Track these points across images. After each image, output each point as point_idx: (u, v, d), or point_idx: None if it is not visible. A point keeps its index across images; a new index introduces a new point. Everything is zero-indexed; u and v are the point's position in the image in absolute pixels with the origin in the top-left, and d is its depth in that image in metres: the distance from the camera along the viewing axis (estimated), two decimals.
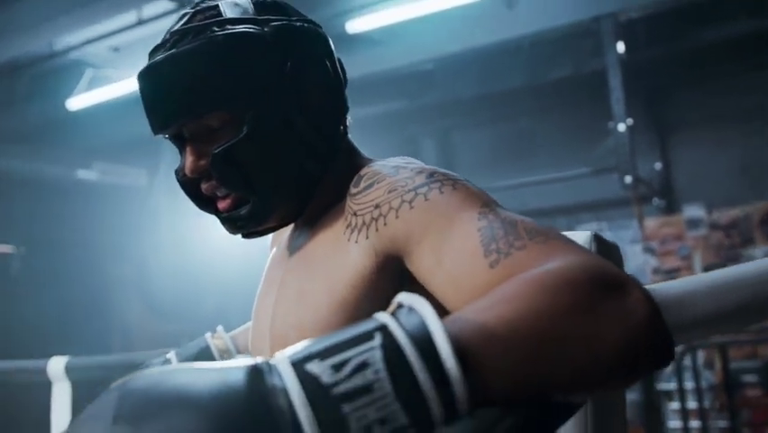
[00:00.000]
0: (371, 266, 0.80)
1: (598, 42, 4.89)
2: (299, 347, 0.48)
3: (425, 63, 5.58)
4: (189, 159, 0.88)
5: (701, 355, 4.63)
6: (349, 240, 0.83)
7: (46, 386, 1.86)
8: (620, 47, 4.77)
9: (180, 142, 0.92)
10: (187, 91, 0.85)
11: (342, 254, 0.84)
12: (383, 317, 0.49)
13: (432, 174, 0.79)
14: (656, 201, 5.85)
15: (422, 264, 0.74)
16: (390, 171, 0.83)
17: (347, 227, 0.84)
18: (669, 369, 4.84)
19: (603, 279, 0.56)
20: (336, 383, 0.45)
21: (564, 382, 0.52)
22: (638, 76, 5.46)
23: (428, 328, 0.47)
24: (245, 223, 0.91)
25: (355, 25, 4.75)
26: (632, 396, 4.41)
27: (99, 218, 5.38)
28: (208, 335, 1.38)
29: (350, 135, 0.99)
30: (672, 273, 5.57)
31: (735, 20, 5.24)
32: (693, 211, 5.64)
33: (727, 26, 5.30)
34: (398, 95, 6.10)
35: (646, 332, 0.54)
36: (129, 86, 5.06)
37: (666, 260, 5.62)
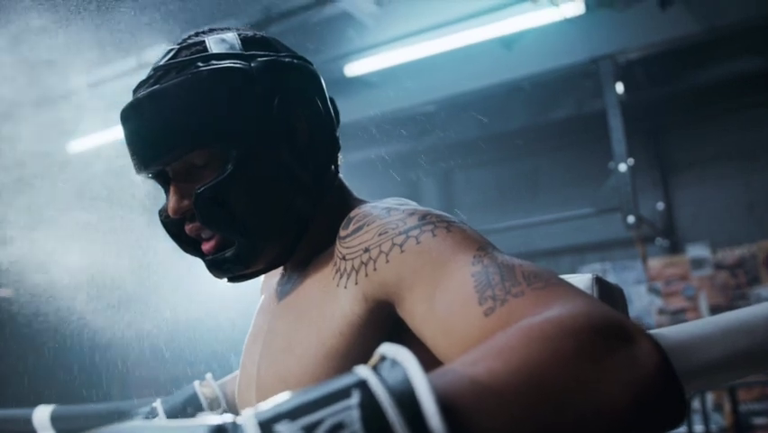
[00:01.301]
0: (361, 313, 0.76)
1: (597, 83, 4.90)
2: (269, 405, 0.43)
3: (425, 105, 5.60)
4: (173, 199, 0.84)
5: (710, 398, 4.54)
6: (338, 285, 0.79)
7: None
8: (619, 87, 4.78)
9: (164, 181, 0.88)
10: (169, 128, 0.81)
11: (330, 301, 0.80)
12: (363, 371, 0.44)
13: (424, 216, 0.75)
14: (659, 241, 5.80)
15: (413, 312, 0.70)
16: (381, 213, 0.79)
17: (336, 272, 0.80)
18: None
19: (607, 327, 0.51)
20: None
21: None
22: (639, 116, 5.46)
23: (412, 384, 0.42)
24: (231, 266, 0.86)
25: (353, 69, 4.77)
26: None
27: None
28: (196, 382, 1.34)
29: (346, 178, 0.96)
30: (677, 314, 5.50)
31: (734, 59, 5.27)
32: (698, 251, 5.59)
33: (726, 65, 5.33)
34: (399, 137, 6.11)
35: (656, 385, 0.49)
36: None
37: (671, 300, 5.56)
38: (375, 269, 0.74)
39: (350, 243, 0.79)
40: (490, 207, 6.26)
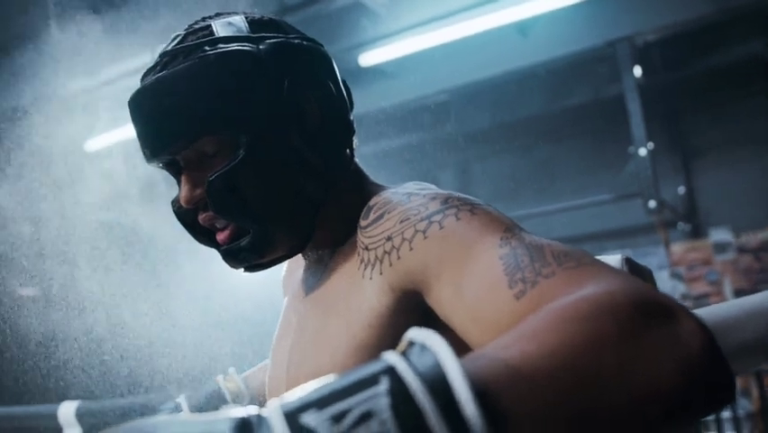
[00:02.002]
0: (388, 303, 0.74)
1: (614, 67, 4.84)
2: (295, 395, 0.42)
3: (439, 94, 5.56)
4: (185, 188, 0.83)
5: (737, 383, 4.49)
6: (363, 276, 0.77)
7: (57, 432, 1.82)
8: (637, 71, 4.72)
9: (175, 171, 0.86)
10: (177, 114, 0.79)
11: (357, 293, 0.78)
12: (391, 357, 0.42)
13: (447, 199, 0.73)
14: (681, 226, 5.73)
15: (441, 299, 0.67)
16: (401, 199, 0.77)
17: (360, 263, 0.78)
18: None
19: (647, 304, 0.48)
20: None
21: (608, 425, 0.44)
22: (658, 99, 5.39)
23: (444, 370, 0.40)
24: (247, 255, 0.84)
25: (368, 58, 4.75)
26: None
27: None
28: (219, 377, 1.33)
29: (361, 164, 0.93)
30: (701, 299, 5.44)
31: (753, 40, 5.18)
32: (720, 235, 5.52)
33: (746, 46, 5.24)
34: (414, 127, 6.08)
35: (702, 365, 0.46)
36: None
37: (695, 286, 5.49)
38: (399, 257, 0.72)
39: (371, 232, 0.77)
40: (507, 195, 6.21)
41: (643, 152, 4.51)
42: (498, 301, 0.60)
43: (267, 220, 0.82)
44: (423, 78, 5.13)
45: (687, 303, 5.42)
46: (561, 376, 0.43)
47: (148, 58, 5.01)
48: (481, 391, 0.40)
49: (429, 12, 4.56)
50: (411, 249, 0.70)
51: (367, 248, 0.77)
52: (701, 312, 0.85)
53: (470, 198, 0.74)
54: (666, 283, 5.46)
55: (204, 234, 0.87)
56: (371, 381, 0.41)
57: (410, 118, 5.92)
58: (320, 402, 0.40)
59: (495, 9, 4.40)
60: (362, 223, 0.79)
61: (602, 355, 0.45)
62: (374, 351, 0.74)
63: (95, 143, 5.51)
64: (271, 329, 1.04)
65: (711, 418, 4.04)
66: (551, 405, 0.43)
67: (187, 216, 0.86)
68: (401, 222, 0.73)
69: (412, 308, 0.72)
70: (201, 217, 0.84)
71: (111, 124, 5.41)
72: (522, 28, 4.74)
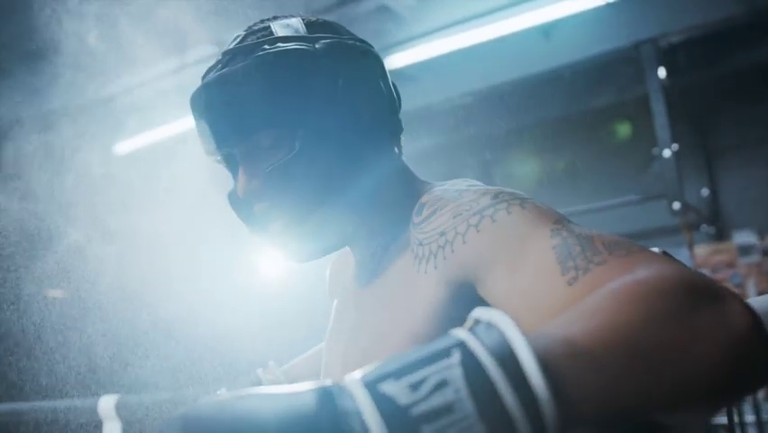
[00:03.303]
0: (443, 297, 0.76)
1: (639, 69, 4.83)
2: (371, 368, 0.45)
3: (463, 97, 5.58)
4: (242, 179, 0.87)
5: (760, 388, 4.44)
6: (417, 272, 0.80)
7: (97, 425, 1.86)
8: (661, 72, 4.70)
9: (233, 165, 0.91)
10: (237, 110, 0.84)
11: (412, 288, 0.80)
12: (460, 333, 0.46)
13: (497, 194, 0.76)
14: (705, 228, 5.70)
15: (495, 289, 0.70)
16: (453, 195, 0.80)
17: (414, 258, 0.81)
18: None
19: (696, 287, 0.52)
20: (414, 404, 0.41)
21: (660, 399, 0.47)
22: (682, 101, 5.37)
23: (510, 345, 0.44)
24: (299, 245, 0.88)
25: (392, 62, 4.78)
26: None
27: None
28: (260, 370, 1.36)
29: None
30: None
31: None
32: (744, 237, 5.48)
33: None
34: (437, 130, 6.10)
35: (749, 344, 0.49)
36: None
37: None
38: (453, 251, 0.74)
39: (425, 228, 0.80)
40: (531, 197, 6.21)
41: (667, 153, 4.50)
42: (551, 288, 0.63)
43: (320, 211, 0.85)
44: (446, 80, 5.15)
45: None
46: (618, 351, 0.47)
47: (176, 62, 5.08)
48: (545, 363, 0.44)
49: (453, 15, 4.58)
50: (464, 243, 0.73)
51: (421, 243, 0.80)
52: (755, 300, 0.88)
53: (519, 192, 0.77)
54: None
55: (258, 226, 0.90)
56: (444, 353, 0.44)
57: (434, 121, 5.95)
58: (397, 373, 0.43)
59: (519, 12, 4.41)
60: (416, 219, 0.82)
61: (656, 333, 0.48)
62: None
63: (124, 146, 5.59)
64: (308, 327, 1.07)
65: (736, 421, 4.01)
66: (609, 377, 0.46)
67: (243, 207, 0.90)
68: (454, 217, 0.76)
69: (466, 301, 0.74)
70: (256, 208, 0.88)
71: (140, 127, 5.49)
72: (545, 30, 4.75)
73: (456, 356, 0.44)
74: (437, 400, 0.41)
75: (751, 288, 5.28)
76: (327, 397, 0.43)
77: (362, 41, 0.93)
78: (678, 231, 5.32)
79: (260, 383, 1.33)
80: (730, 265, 5.49)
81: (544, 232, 0.68)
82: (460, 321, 0.75)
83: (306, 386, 0.45)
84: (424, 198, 0.84)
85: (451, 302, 0.76)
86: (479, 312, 0.48)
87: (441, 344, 0.45)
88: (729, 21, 4.59)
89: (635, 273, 0.55)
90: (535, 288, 0.65)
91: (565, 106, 5.76)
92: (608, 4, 4.40)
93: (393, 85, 0.95)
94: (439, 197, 0.81)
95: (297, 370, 1.33)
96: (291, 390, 0.45)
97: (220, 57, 0.88)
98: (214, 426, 0.42)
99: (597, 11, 4.45)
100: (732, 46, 5.28)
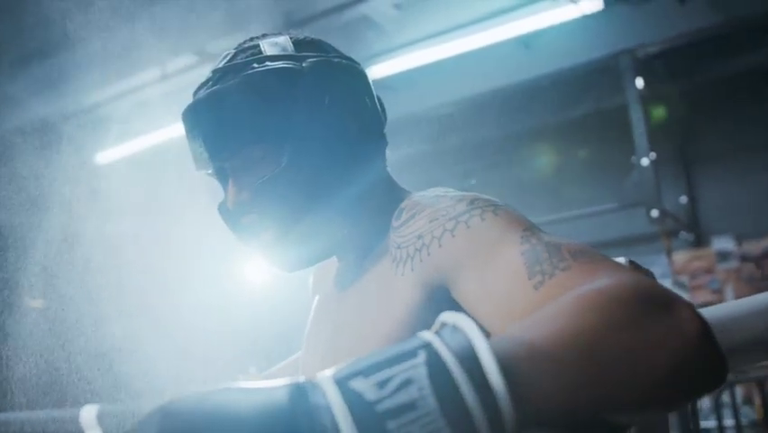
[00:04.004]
0: (419, 299, 0.79)
1: (617, 79, 4.90)
2: (343, 366, 0.48)
3: (445, 107, 5.63)
4: (231, 191, 0.90)
5: (739, 392, 4.50)
6: (395, 274, 0.83)
7: None
8: (639, 82, 4.78)
9: (223, 178, 0.94)
10: (228, 125, 0.87)
11: (389, 288, 0.83)
12: (427, 335, 0.49)
13: (473, 201, 0.79)
14: (684, 235, 5.78)
15: (467, 292, 0.73)
16: (431, 201, 0.83)
17: (393, 261, 0.84)
18: (707, 406, 4.72)
19: (651, 296, 0.55)
20: (380, 400, 0.44)
21: (614, 400, 0.51)
22: (660, 110, 5.45)
23: (473, 347, 0.46)
24: (287, 256, 0.92)
25: (374, 72, 4.81)
26: None
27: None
28: (241, 376, 1.38)
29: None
30: (704, 307, 5.46)
31: (754, 50, 5.24)
32: (723, 243, 5.56)
33: (746, 57, 5.30)
34: (418, 139, 6.14)
35: (697, 349, 0.53)
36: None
37: (697, 294, 5.53)
38: (429, 254, 0.77)
39: (403, 231, 0.83)
40: (512, 205, 6.26)
41: (645, 161, 4.57)
42: (518, 292, 0.66)
43: (307, 223, 0.88)
44: (427, 90, 5.20)
45: None
46: (575, 356, 0.50)
47: (157, 72, 5.09)
48: (505, 364, 0.46)
49: (434, 26, 4.63)
50: (440, 246, 0.76)
51: (399, 247, 0.83)
52: (713, 309, 0.92)
53: (494, 199, 0.81)
54: None
55: (247, 237, 0.93)
56: (411, 354, 0.47)
57: (415, 130, 5.99)
58: (366, 371, 0.46)
59: (499, 23, 4.47)
60: (395, 223, 0.86)
61: (612, 339, 0.51)
62: None
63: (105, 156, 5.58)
64: (290, 334, 1.10)
65: (714, 426, 4.06)
66: (566, 379, 0.49)
67: (232, 217, 0.93)
68: (431, 221, 0.79)
69: (440, 303, 0.77)
70: (245, 220, 0.91)
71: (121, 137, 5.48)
72: (525, 41, 4.81)
73: (422, 357, 0.46)
74: (402, 397, 0.44)
75: (729, 293, 5.36)
76: (300, 392, 0.45)
77: (349, 59, 0.96)
78: (657, 238, 5.39)
79: None
80: (709, 271, 5.57)
81: (515, 238, 0.71)
82: (433, 323, 0.78)
83: (280, 382, 0.47)
84: (403, 204, 0.87)
85: (426, 304, 0.79)
86: (445, 316, 0.51)
87: (408, 345, 0.48)
88: (706, 31, 4.68)
89: (595, 282, 0.59)
90: (504, 291, 0.68)
91: (545, 116, 5.83)
92: (587, 16, 4.47)
93: (378, 99, 0.98)
94: (417, 201, 0.85)
95: (278, 376, 1.34)
96: (266, 385, 0.47)
97: (210, 74, 0.91)
98: (191, 419, 0.44)
99: (576, 22, 4.52)
100: (709, 56, 5.37)
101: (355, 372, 0.46)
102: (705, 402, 4.90)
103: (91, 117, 5.42)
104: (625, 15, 4.71)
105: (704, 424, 4.66)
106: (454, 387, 0.45)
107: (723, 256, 5.55)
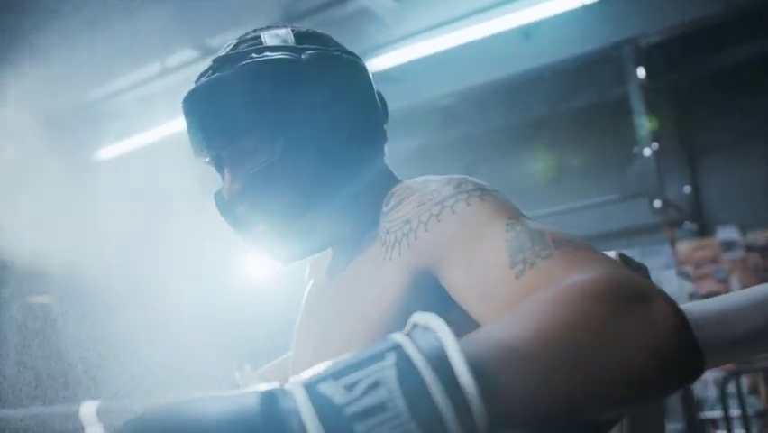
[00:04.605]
0: (407, 283, 0.79)
1: (618, 69, 4.88)
2: (313, 371, 0.48)
3: (444, 98, 5.61)
4: (227, 180, 0.91)
5: (745, 382, 4.50)
6: (384, 259, 0.83)
7: (79, 431, 1.86)
8: (641, 72, 4.76)
9: (220, 166, 0.94)
10: (225, 114, 0.88)
11: (378, 273, 0.83)
12: (397, 336, 0.48)
13: (459, 184, 0.79)
14: (688, 225, 5.75)
15: (451, 279, 0.73)
16: (419, 185, 0.83)
17: (382, 246, 0.84)
18: (713, 396, 4.72)
19: (627, 290, 0.55)
20: (348, 403, 0.44)
21: (587, 398, 0.50)
22: (662, 99, 5.43)
23: (444, 347, 0.46)
24: (280, 247, 0.92)
25: (374, 64, 4.81)
26: (677, 425, 4.29)
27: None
28: (237, 374, 1.38)
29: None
30: (709, 297, 5.44)
31: (756, 38, 5.21)
32: (727, 233, 5.54)
33: (749, 45, 5.26)
34: (419, 131, 6.13)
35: (672, 343, 0.52)
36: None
37: (702, 284, 5.51)
38: (416, 239, 0.77)
39: (392, 216, 0.83)
40: (513, 197, 6.23)
41: (647, 152, 4.55)
42: (500, 280, 0.66)
43: (300, 215, 0.88)
44: (428, 82, 5.18)
45: (695, 301, 5.41)
46: (548, 354, 0.49)
47: (158, 66, 5.09)
48: (476, 365, 0.46)
49: (434, 17, 4.62)
50: (427, 230, 0.76)
51: (388, 231, 0.83)
52: (702, 303, 0.91)
53: (482, 183, 0.80)
54: (673, 282, 5.48)
55: (242, 227, 0.93)
56: (380, 356, 0.47)
57: (416, 122, 5.98)
58: (335, 375, 0.46)
59: (499, 14, 4.46)
60: (384, 209, 0.86)
61: (586, 336, 0.51)
62: (391, 329, 0.79)
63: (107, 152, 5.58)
64: (288, 331, 1.09)
65: (720, 416, 4.06)
66: (539, 378, 0.49)
67: (227, 207, 0.93)
68: (418, 206, 0.79)
69: (427, 289, 0.77)
70: (239, 210, 0.91)
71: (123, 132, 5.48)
72: (526, 32, 4.79)
73: (391, 358, 0.46)
74: (371, 400, 0.44)
75: (735, 283, 5.34)
76: (270, 398, 0.46)
77: (349, 53, 0.96)
78: (660, 228, 5.38)
79: (237, 386, 1.35)
80: (713, 261, 5.55)
81: (500, 224, 0.71)
82: (422, 308, 0.78)
83: (252, 388, 0.47)
84: (393, 189, 0.87)
85: (413, 290, 0.79)
86: (417, 317, 0.50)
87: (378, 347, 0.48)
88: (708, 20, 4.64)
89: (575, 272, 0.58)
90: (487, 279, 0.68)
91: (546, 107, 5.80)
92: (587, 6, 4.45)
93: (379, 95, 0.98)
94: (406, 186, 0.85)
95: (273, 373, 1.35)
96: (238, 393, 0.47)
97: (211, 63, 0.91)
98: (163, 429, 0.45)
99: (576, 12, 4.50)
100: (711, 45, 5.34)
101: (325, 375, 0.46)
102: (711, 392, 4.91)
103: (92, 113, 5.42)
104: (626, 5, 4.68)
105: (710, 414, 4.67)
106: (424, 388, 0.44)
107: (728, 246, 5.52)
